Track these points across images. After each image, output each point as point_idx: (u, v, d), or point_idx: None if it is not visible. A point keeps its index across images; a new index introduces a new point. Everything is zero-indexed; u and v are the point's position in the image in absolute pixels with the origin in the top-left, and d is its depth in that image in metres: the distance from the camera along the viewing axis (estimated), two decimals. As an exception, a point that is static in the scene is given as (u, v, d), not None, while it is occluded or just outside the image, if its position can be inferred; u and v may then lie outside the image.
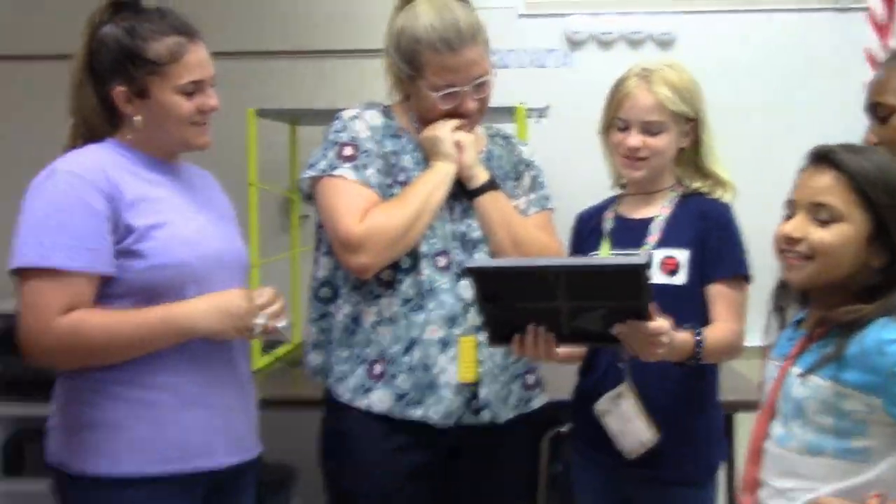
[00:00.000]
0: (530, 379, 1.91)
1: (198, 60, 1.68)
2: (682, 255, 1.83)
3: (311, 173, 1.83)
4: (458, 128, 1.83)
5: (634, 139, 1.84)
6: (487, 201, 1.84)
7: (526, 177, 1.98)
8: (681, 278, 1.82)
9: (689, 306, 1.80)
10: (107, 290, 1.61)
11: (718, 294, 1.82)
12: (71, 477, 1.62)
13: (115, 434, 1.60)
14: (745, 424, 2.36)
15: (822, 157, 1.42)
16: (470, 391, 1.80)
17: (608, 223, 1.94)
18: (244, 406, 1.75)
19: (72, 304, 1.57)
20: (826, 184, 1.40)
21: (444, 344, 1.78)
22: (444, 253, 1.81)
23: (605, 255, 1.87)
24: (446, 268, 1.80)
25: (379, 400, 1.79)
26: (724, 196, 1.90)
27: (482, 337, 1.72)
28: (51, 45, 3.39)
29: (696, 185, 1.90)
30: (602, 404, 1.82)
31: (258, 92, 3.36)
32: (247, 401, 1.77)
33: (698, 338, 1.70)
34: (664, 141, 1.84)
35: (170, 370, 1.63)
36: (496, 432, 1.84)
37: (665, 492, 1.83)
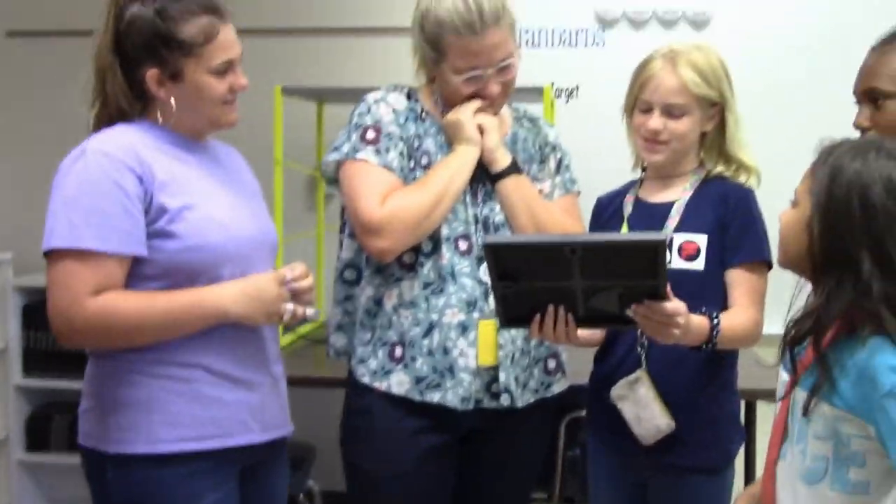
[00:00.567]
0: (551, 363, 1.90)
1: (229, 40, 1.67)
2: (701, 240, 1.80)
3: (334, 156, 1.83)
4: (481, 110, 1.82)
5: (656, 121, 1.81)
6: (510, 185, 1.82)
7: (551, 160, 1.96)
8: (700, 263, 1.80)
9: (708, 292, 1.78)
10: (140, 272, 1.61)
11: (738, 279, 1.79)
12: (107, 457, 1.62)
13: (151, 412, 1.61)
14: (765, 412, 2.33)
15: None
16: (489, 375, 1.80)
17: (628, 207, 1.92)
18: (275, 384, 1.76)
19: (102, 285, 1.57)
20: (807, 171, 1.42)
21: (464, 328, 1.77)
22: (465, 237, 1.80)
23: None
24: (468, 251, 1.80)
25: (398, 383, 1.79)
26: (749, 181, 1.87)
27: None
28: (68, 21, 3.41)
29: (719, 169, 1.87)
30: (618, 389, 1.81)
31: (285, 70, 3.34)
32: (277, 379, 1.77)
33: (714, 322, 1.68)
34: (686, 124, 1.81)
35: (203, 349, 1.64)
36: (515, 416, 1.84)
37: (681, 478, 1.82)
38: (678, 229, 1.82)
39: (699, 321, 1.65)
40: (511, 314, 1.61)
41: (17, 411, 3.38)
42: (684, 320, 1.57)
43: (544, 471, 2.01)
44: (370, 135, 1.79)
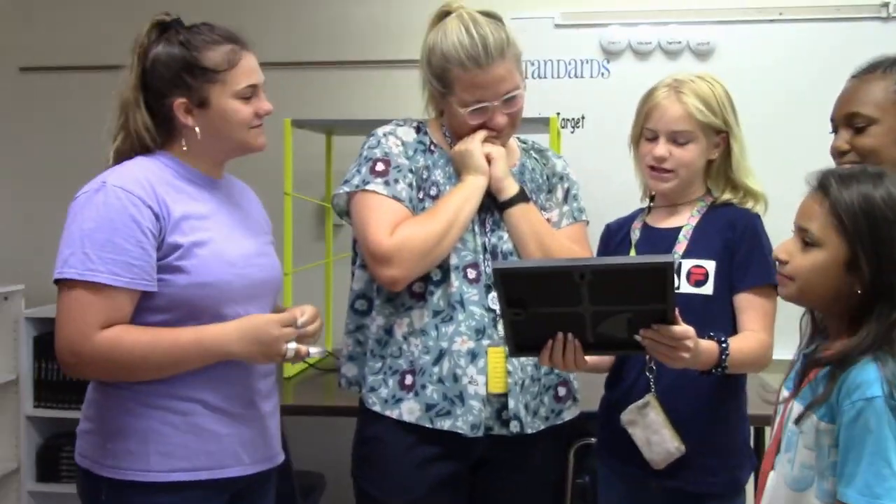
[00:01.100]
0: (562, 391, 1.91)
1: (251, 66, 1.74)
2: (710, 265, 1.82)
3: (344, 189, 1.86)
4: (489, 141, 1.85)
5: (661, 149, 1.84)
6: (518, 213, 1.84)
7: (559, 189, 1.98)
8: (709, 288, 1.81)
9: (717, 317, 1.80)
10: (147, 304, 1.64)
11: (746, 303, 1.80)
12: (102, 480, 1.66)
13: (147, 442, 1.65)
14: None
15: (817, 181, 1.41)
16: (500, 402, 1.81)
17: (636, 233, 1.94)
18: (270, 416, 1.81)
19: (111, 319, 1.60)
20: (809, 208, 1.40)
21: (474, 355, 1.79)
22: (474, 265, 1.82)
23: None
24: (476, 280, 1.81)
25: (409, 410, 1.80)
26: (756, 208, 1.89)
27: None
28: (80, 57, 3.46)
29: (726, 196, 1.89)
30: (628, 414, 1.82)
31: (294, 102, 3.38)
32: (272, 411, 1.82)
33: (723, 346, 1.68)
34: (692, 152, 1.84)
35: (201, 384, 1.68)
36: (525, 443, 1.84)
37: (691, 504, 1.81)
38: (686, 255, 1.84)
39: (708, 345, 1.66)
40: (520, 341, 1.62)
41: (28, 441, 3.40)
42: (693, 344, 1.58)
43: (554, 498, 2.00)
44: (379, 167, 1.82)
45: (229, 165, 1.92)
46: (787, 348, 1.63)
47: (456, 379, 1.78)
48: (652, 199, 1.98)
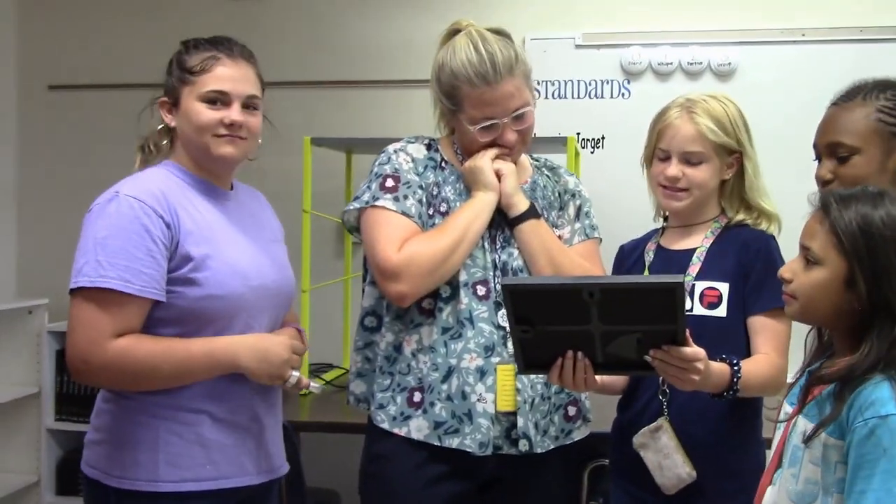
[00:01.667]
0: (572, 410, 1.89)
1: (226, 74, 1.74)
2: (723, 288, 1.80)
3: (354, 205, 1.87)
4: (499, 157, 1.85)
5: (674, 169, 1.83)
6: (528, 229, 1.84)
7: (571, 206, 1.98)
8: (722, 311, 1.80)
9: (731, 339, 1.78)
10: (159, 316, 1.66)
11: (760, 326, 1.79)
12: (110, 490, 1.68)
13: (155, 452, 1.66)
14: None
15: (819, 201, 1.43)
16: (509, 421, 1.80)
17: (650, 254, 1.93)
18: (273, 428, 1.83)
19: (122, 327, 1.62)
20: (811, 227, 1.42)
21: (482, 372, 1.78)
22: (483, 282, 1.82)
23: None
24: (486, 297, 1.81)
25: (417, 428, 1.80)
26: (770, 228, 1.87)
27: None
28: (106, 75, 3.51)
29: (740, 217, 1.88)
30: (640, 438, 1.80)
31: (314, 121, 3.41)
32: (276, 423, 1.84)
33: (735, 369, 1.66)
34: (704, 172, 1.83)
35: (209, 395, 1.70)
36: (534, 463, 1.83)
37: (703, 529, 1.79)
38: (700, 277, 1.82)
39: (719, 368, 1.65)
40: (530, 359, 1.61)
41: (48, 454, 3.42)
42: (704, 366, 1.56)
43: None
44: (389, 183, 1.83)
45: (247, 181, 1.94)
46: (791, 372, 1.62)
47: (464, 396, 1.77)
48: (665, 219, 1.97)
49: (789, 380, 1.55)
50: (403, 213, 1.80)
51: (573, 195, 1.99)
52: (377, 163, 1.89)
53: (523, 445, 1.79)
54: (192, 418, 1.68)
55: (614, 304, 1.48)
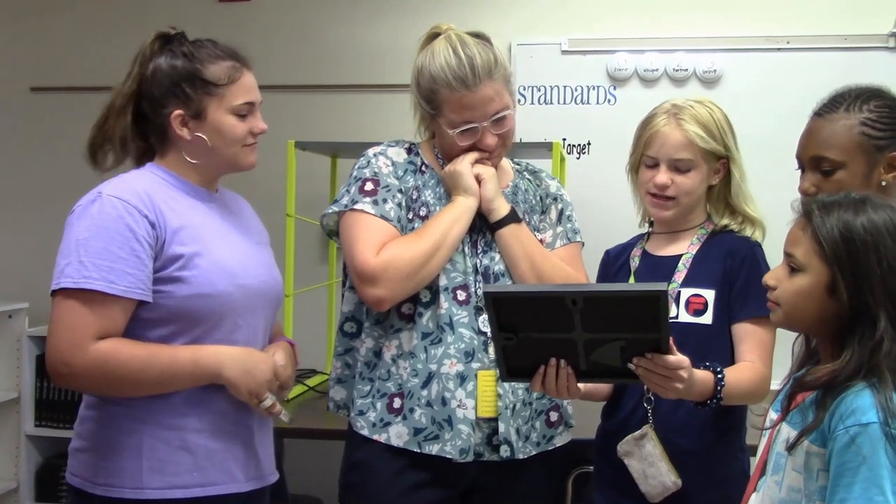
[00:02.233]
0: (553, 416, 1.88)
1: (250, 84, 1.75)
2: (709, 295, 1.80)
3: (333, 208, 1.86)
4: (480, 161, 1.84)
5: (663, 176, 1.82)
6: (509, 234, 1.82)
7: (553, 210, 1.96)
8: (708, 318, 1.79)
9: (716, 347, 1.77)
10: (146, 316, 1.63)
11: (744, 333, 1.78)
12: (95, 498, 1.65)
13: (140, 459, 1.64)
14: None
15: (802, 208, 1.43)
16: (490, 427, 1.78)
17: (635, 260, 1.92)
18: (262, 434, 1.79)
19: (105, 329, 1.59)
20: (794, 234, 1.42)
21: (462, 378, 1.77)
22: (464, 287, 1.80)
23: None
24: (466, 301, 1.80)
25: (397, 435, 1.78)
26: (755, 234, 1.87)
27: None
28: (89, 78, 3.49)
29: (725, 222, 1.87)
30: (625, 445, 1.79)
31: (299, 125, 3.40)
32: (265, 430, 1.81)
33: (719, 377, 1.66)
34: (693, 179, 1.82)
35: (193, 400, 1.67)
36: (516, 469, 1.81)
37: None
38: (685, 283, 1.82)
39: (703, 376, 1.63)
40: (512, 366, 1.59)
41: (27, 461, 3.38)
42: (687, 374, 1.55)
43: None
44: (368, 186, 1.81)
45: (233, 185, 1.93)
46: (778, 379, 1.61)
47: (444, 402, 1.76)
48: (651, 224, 1.97)
49: (776, 387, 1.55)
50: (382, 217, 1.79)
51: (555, 199, 1.97)
52: (357, 166, 1.87)
53: (504, 451, 1.77)
54: (178, 423, 1.65)
55: (598, 312, 1.47)
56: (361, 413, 1.82)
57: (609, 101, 3.42)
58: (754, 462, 2.23)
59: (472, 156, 1.83)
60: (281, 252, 2.81)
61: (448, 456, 1.75)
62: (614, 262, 1.98)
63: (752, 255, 1.82)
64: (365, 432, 1.80)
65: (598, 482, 1.95)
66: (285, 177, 2.98)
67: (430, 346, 1.78)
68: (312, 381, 3.06)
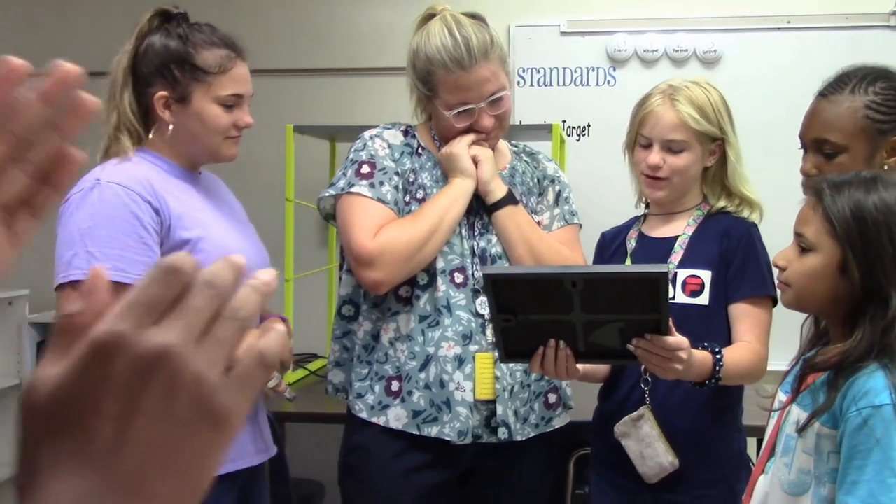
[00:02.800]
0: (552, 397, 1.88)
1: (242, 76, 1.73)
2: (705, 276, 1.80)
3: (330, 192, 1.85)
4: (476, 143, 1.83)
5: (655, 156, 1.82)
6: (506, 216, 1.82)
7: (550, 192, 1.96)
8: (705, 299, 1.79)
9: (713, 327, 1.77)
10: None
11: (741, 314, 1.78)
12: None
13: None
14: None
15: (812, 187, 1.42)
16: (488, 409, 1.79)
17: (632, 242, 1.92)
18: (261, 408, 1.85)
19: None
20: (805, 214, 1.41)
21: (460, 361, 1.77)
22: (461, 269, 1.80)
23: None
24: (463, 284, 1.79)
25: (395, 417, 1.78)
26: (752, 216, 1.86)
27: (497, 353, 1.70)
28: (88, 63, 3.46)
29: (722, 204, 1.87)
30: (622, 426, 1.80)
31: (297, 109, 3.38)
32: (261, 405, 1.86)
33: (717, 357, 1.65)
34: (686, 160, 1.82)
35: None
36: (515, 451, 1.82)
37: (684, 517, 1.78)
38: (682, 264, 1.81)
39: (702, 357, 1.63)
40: (511, 348, 1.59)
41: (29, 447, 3.39)
42: (686, 355, 1.55)
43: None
44: (365, 169, 1.81)
45: (232, 169, 1.91)
46: (782, 359, 1.60)
47: (442, 385, 1.76)
48: (647, 205, 1.96)
49: (784, 367, 1.54)
50: (379, 200, 1.78)
51: (552, 181, 1.97)
52: (353, 149, 1.86)
53: (503, 433, 1.78)
54: None
55: (597, 294, 1.47)
56: (360, 396, 1.82)
57: (609, 82, 3.40)
58: (751, 442, 2.26)
59: (469, 137, 1.82)
60: (280, 236, 2.80)
61: (447, 438, 1.76)
62: (610, 244, 1.97)
63: (748, 236, 1.82)
64: (363, 415, 1.81)
65: (595, 463, 1.96)
66: (284, 161, 2.97)
67: (428, 329, 1.77)
68: (313, 366, 3.06)
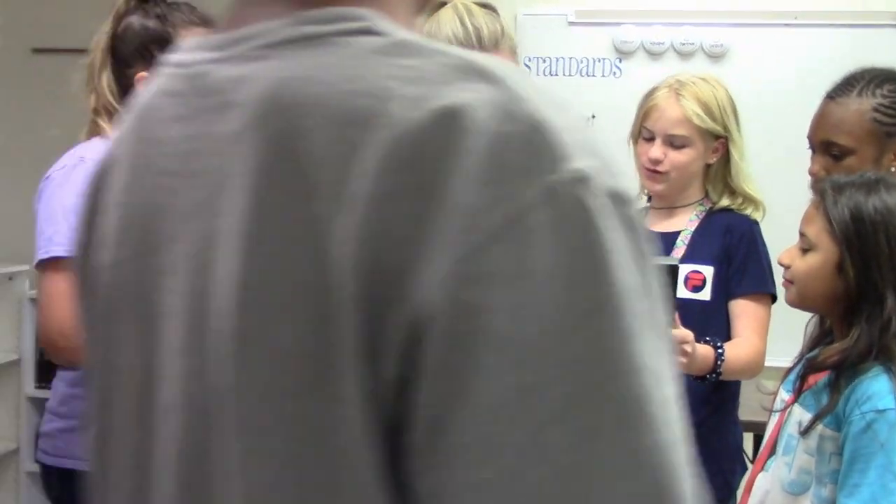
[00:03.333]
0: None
1: None
2: (708, 271, 1.80)
3: None
4: None
5: (656, 150, 1.82)
6: None
7: None
8: (706, 294, 1.80)
9: (714, 323, 1.78)
10: None
11: (741, 310, 1.79)
12: (67, 472, 1.65)
13: None
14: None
15: (817, 187, 1.45)
16: None
17: None
18: None
19: None
20: (809, 213, 1.43)
21: None
22: None
23: None
24: None
25: None
26: (754, 214, 1.87)
27: None
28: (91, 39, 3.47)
29: (725, 202, 1.87)
30: None
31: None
32: None
33: (719, 352, 1.66)
34: (687, 156, 1.82)
35: None
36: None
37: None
38: (684, 259, 1.82)
39: (705, 351, 1.65)
40: None
41: (28, 422, 3.40)
42: (691, 349, 1.56)
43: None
44: None
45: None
46: (781, 355, 1.61)
47: None
48: (649, 199, 1.97)
49: (783, 364, 1.55)
50: None
51: None
52: None
53: None
54: None
55: None
56: None
57: (615, 73, 3.40)
58: (747, 437, 2.27)
59: None
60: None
61: None
62: None
63: (749, 233, 1.83)
64: None
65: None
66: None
67: None
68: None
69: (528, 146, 0.44)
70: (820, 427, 1.34)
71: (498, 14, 1.81)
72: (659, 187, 1.85)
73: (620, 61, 3.39)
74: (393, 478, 0.44)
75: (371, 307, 0.44)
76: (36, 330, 3.35)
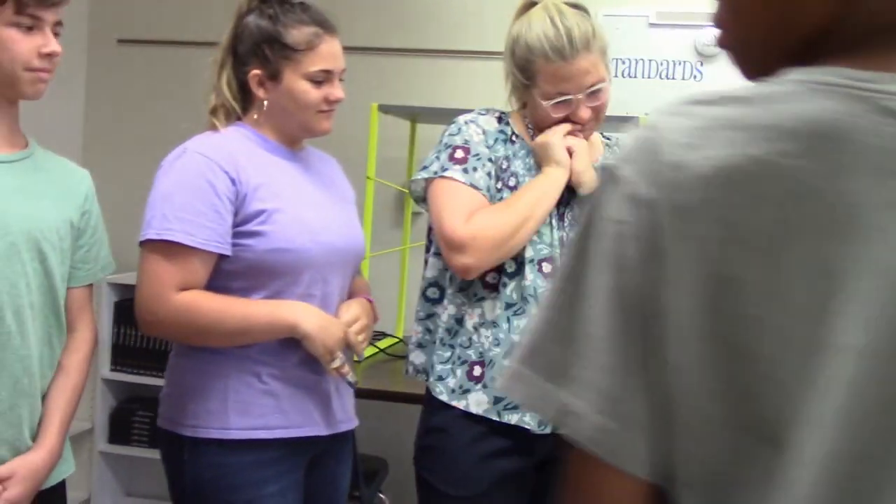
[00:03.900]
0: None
1: (330, 52, 1.77)
2: None
3: (422, 175, 1.85)
4: (572, 134, 1.82)
5: None
6: None
7: None
8: None
9: None
10: (227, 268, 1.70)
11: None
12: (184, 440, 1.72)
13: (226, 401, 1.71)
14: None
15: None
16: None
17: None
18: (338, 387, 1.85)
19: (186, 280, 1.66)
20: None
21: None
22: (549, 259, 1.80)
23: None
24: (551, 274, 1.79)
25: (476, 402, 1.79)
26: None
27: None
28: (176, 32, 3.54)
29: None
30: None
31: (381, 88, 3.39)
32: (330, 382, 1.84)
33: None
34: None
35: (277, 350, 1.74)
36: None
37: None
38: None
39: None
40: None
41: (103, 403, 3.49)
42: None
43: None
44: (459, 154, 1.81)
45: (316, 145, 1.94)
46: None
47: None
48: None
49: None
50: (472, 186, 1.78)
51: None
52: (447, 133, 1.87)
53: None
54: (261, 370, 1.72)
55: None
56: (441, 378, 1.83)
57: (695, 77, 3.34)
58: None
59: (565, 127, 1.81)
60: (360, 214, 2.82)
61: (527, 427, 1.76)
62: None
63: None
64: (444, 398, 1.82)
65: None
66: (367, 139, 2.99)
67: (514, 317, 1.78)
68: (383, 344, 3.09)
69: None
70: None
71: (589, 14, 1.80)
72: None
73: (702, 64, 3.33)
74: None
75: None
76: (112, 314, 3.45)
